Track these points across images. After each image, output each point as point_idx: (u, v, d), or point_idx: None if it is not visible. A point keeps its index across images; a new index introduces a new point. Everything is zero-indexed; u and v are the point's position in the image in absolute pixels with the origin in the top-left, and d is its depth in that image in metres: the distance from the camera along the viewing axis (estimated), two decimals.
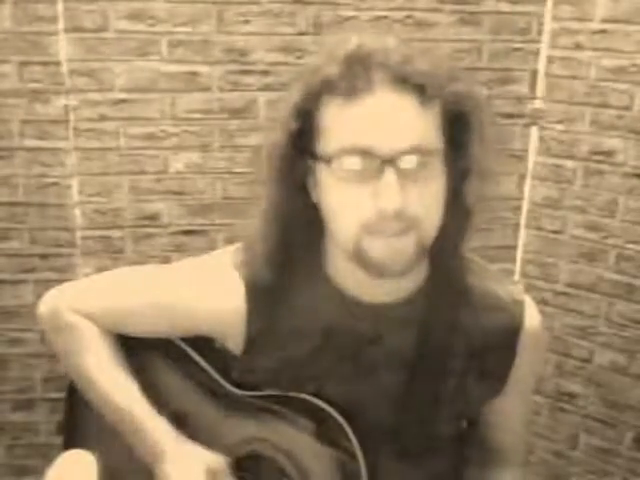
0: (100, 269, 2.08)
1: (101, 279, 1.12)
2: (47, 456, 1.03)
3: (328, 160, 0.85)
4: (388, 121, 0.83)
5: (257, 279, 0.98)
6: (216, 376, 1.07)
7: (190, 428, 1.06)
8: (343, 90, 0.84)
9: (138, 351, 1.10)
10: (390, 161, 0.82)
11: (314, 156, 0.88)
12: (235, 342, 1.02)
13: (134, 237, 2.10)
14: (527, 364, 1.02)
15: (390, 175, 0.82)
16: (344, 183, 0.85)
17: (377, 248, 0.86)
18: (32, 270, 2.09)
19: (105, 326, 1.07)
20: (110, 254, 2.10)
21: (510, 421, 1.08)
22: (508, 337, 0.99)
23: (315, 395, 0.99)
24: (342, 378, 1.00)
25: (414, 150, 0.83)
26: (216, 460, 1.01)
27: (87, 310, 1.07)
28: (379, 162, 0.83)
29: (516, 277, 2.25)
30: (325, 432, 0.97)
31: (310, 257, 0.98)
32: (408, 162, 0.83)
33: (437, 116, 0.86)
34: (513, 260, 2.23)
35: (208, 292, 1.02)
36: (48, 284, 2.04)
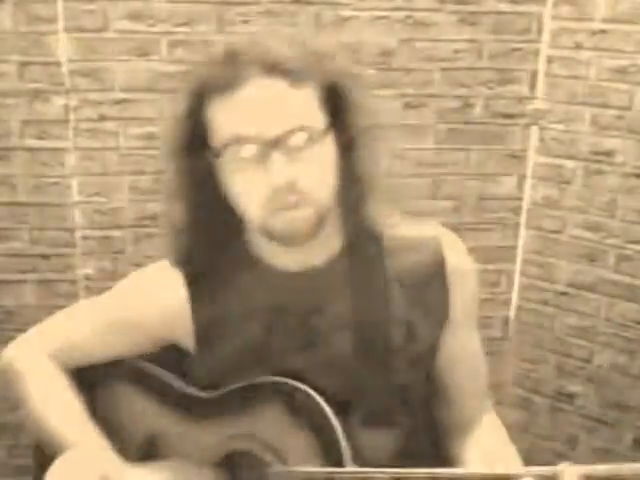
0: (100, 269, 2.08)
1: (51, 319, 1.15)
2: None
3: (218, 152, 0.93)
4: (262, 107, 0.90)
5: (192, 270, 1.04)
6: (181, 385, 1.08)
7: (166, 446, 1.07)
8: (219, 87, 0.91)
9: (100, 386, 1.12)
10: (274, 143, 0.89)
11: (210, 151, 0.95)
12: (186, 337, 1.05)
13: (134, 237, 2.10)
14: (462, 291, 1.06)
15: (276, 155, 0.89)
16: (239, 171, 0.93)
17: (279, 223, 0.93)
18: (32, 270, 2.08)
19: (64, 361, 1.09)
20: (110, 254, 2.09)
21: (462, 359, 1.10)
22: (435, 270, 1.04)
23: (276, 373, 1.00)
24: (296, 352, 1.02)
25: (294, 130, 0.90)
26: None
27: (43, 350, 1.10)
28: (264, 146, 0.90)
29: (516, 277, 2.25)
30: (295, 407, 0.98)
31: (234, 240, 1.04)
32: (293, 142, 0.90)
33: (314, 95, 0.93)
34: (513, 260, 2.23)
35: (148, 294, 1.07)
36: (48, 284, 2.06)
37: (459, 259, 1.06)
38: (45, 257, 2.08)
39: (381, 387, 1.02)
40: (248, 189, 0.93)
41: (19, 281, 2.09)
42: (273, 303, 1.02)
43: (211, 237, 1.02)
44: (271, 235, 0.96)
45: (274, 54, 0.91)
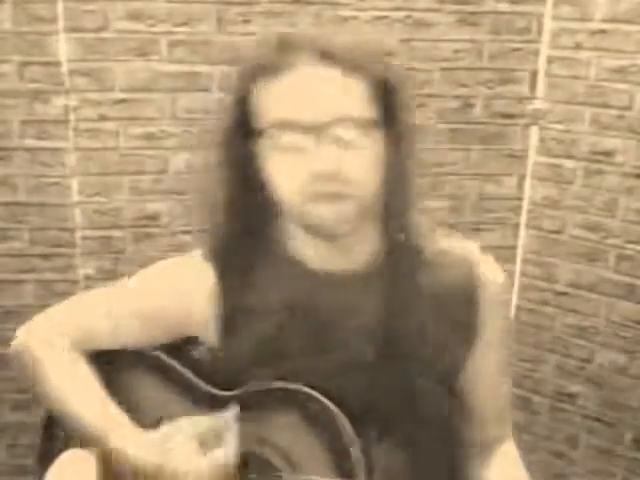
0: (100, 269, 2.08)
1: (70, 302, 1.13)
2: None
3: (262, 134, 0.92)
4: (312, 93, 0.89)
5: (222, 262, 1.02)
6: (196, 380, 1.07)
7: None
8: (269, 71, 0.90)
9: (115, 369, 1.09)
10: (321, 130, 0.88)
11: (254, 135, 0.94)
12: (210, 331, 1.04)
13: (134, 237, 2.10)
14: (492, 313, 1.05)
15: (322, 142, 0.88)
16: (281, 154, 0.91)
17: (319, 212, 0.91)
18: (32, 270, 2.08)
19: (82, 345, 1.07)
20: (110, 254, 2.10)
21: (488, 379, 1.08)
22: (468, 289, 1.03)
23: (296, 374, 0.99)
24: (318, 352, 1.00)
25: (342, 119, 0.88)
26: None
27: (61, 333, 1.07)
28: (310, 132, 0.88)
29: (516, 277, 2.25)
30: (310, 415, 0.97)
31: (268, 233, 1.03)
32: (340, 131, 0.88)
33: (365, 87, 0.91)
34: (513, 260, 2.23)
35: (177, 283, 1.05)
36: (48, 284, 2.06)
37: (494, 281, 1.05)
38: (45, 257, 2.08)
39: (400, 400, 1.00)
40: (288, 174, 0.91)
41: (19, 281, 2.09)
42: (301, 301, 1.00)
43: (247, 229, 1.01)
44: (307, 225, 0.94)
45: (329, 42, 0.91)
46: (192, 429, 0.97)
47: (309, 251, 1.00)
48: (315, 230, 0.94)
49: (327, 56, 0.89)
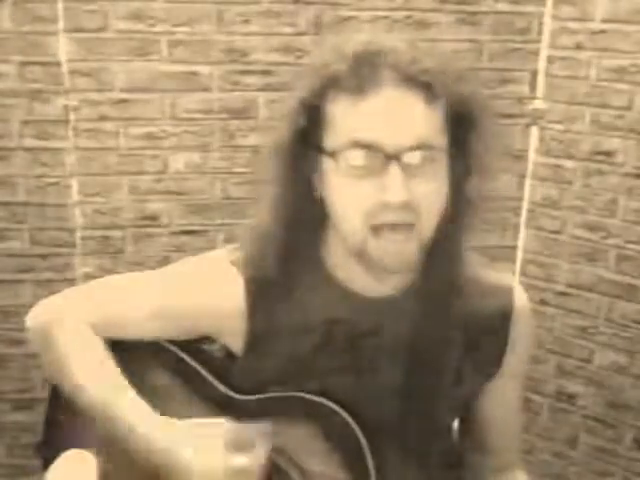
0: (100, 269, 2.08)
1: (93, 287, 1.10)
2: None
3: (333, 154, 0.88)
4: (393, 117, 0.85)
5: (257, 275, 0.99)
6: (214, 382, 1.05)
7: None
8: (350, 87, 0.86)
9: (133, 361, 1.06)
10: (394, 156, 0.84)
11: (320, 150, 0.90)
12: (236, 340, 1.02)
13: (134, 237, 2.10)
14: (519, 346, 1.04)
15: (395, 169, 0.84)
16: (349, 177, 0.87)
17: (380, 250, 0.88)
18: (32, 270, 2.09)
19: (102, 332, 1.04)
20: (110, 254, 2.09)
21: (505, 408, 1.09)
22: (500, 321, 1.02)
23: (319, 392, 0.98)
24: (345, 373, 1.00)
25: (418, 146, 0.85)
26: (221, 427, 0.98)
27: (83, 318, 1.04)
28: (383, 157, 0.85)
29: (516, 277, 2.25)
30: (329, 430, 0.97)
31: (311, 251, 1.00)
32: (412, 158, 0.85)
33: (442, 115, 0.88)
34: (513, 260, 2.23)
35: (207, 290, 1.02)
36: (48, 284, 2.06)
37: (527, 315, 1.05)
38: (45, 257, 2.08)
39: (418, 420, 1.01)
40: (353, 200, 0.88)
41: (19, 281, 2.09)
42: (333, 321, 0.99)
43: (290, 242, 0.97)
44: (365, 259, 0.90)
45: (417, 64, 0.86)
46: (221, 430, 0.95)
47: (354, 275, 0.97)
48: (367, 263, 0.91)
49: (413, 79, 0.85)
